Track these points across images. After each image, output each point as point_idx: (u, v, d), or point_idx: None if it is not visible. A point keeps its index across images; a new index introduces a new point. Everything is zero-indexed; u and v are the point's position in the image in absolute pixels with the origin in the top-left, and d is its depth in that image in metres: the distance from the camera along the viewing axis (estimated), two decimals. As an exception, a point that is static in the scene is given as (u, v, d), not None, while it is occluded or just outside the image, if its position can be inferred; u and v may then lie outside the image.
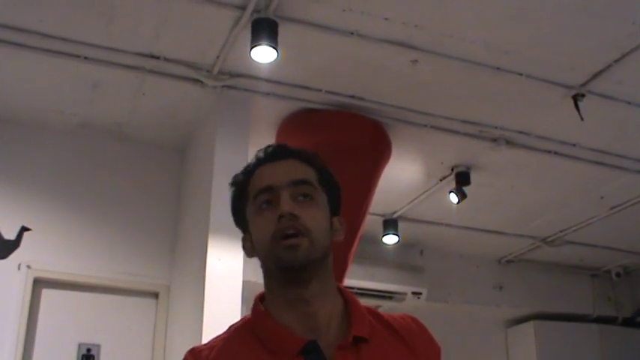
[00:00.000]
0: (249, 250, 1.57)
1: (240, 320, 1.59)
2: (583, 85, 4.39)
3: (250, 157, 4.89)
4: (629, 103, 4.56)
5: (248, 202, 1.57)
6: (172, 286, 4.96)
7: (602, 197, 5.91)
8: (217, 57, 4.17)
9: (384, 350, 1.49)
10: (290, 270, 1.47)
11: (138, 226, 5.07)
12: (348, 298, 1.57)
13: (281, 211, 1.47)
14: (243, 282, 4.16)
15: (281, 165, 1.58)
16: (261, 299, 1.56)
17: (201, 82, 4.34)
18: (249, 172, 1.61)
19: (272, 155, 1.61)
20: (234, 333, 1.55)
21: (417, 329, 1.61)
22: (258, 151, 1.64)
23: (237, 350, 1.49)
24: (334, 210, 1.62)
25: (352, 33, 3.93)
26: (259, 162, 1.60)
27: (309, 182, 1.57)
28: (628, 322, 7.83)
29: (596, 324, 7.67)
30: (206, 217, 4.23)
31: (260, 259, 1.54)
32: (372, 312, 1.59)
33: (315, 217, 1.52)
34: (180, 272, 4.85)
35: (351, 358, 1.43)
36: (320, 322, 1.48)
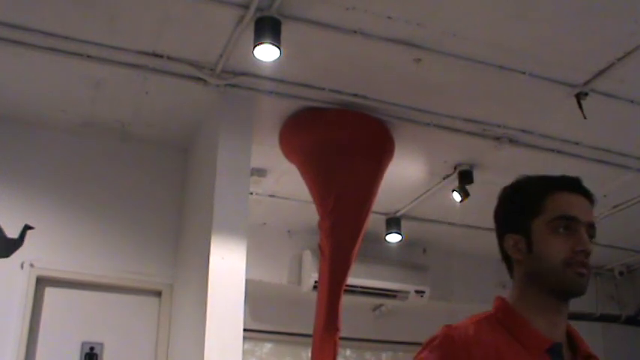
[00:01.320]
0: (514, 250, 1.79)
1: (482, 314, 1.79)
2: (586, 83, 4.38)
3: (253, 156, 4.88)
4: (632, 101, 4.55)
5: (540, 216, 1.75)
6: (175, 284, 4.96)
7: (604, 196, 5.89)
8: (220, 55, 4.17)
9: None
10: (572, 293, 1.75)
11: (141, 224, 5.07)
12: None
13: (585, 247, 1.72)
14: (246, 280, 4.16)
15: (584, 202, 1.79)
16: (505, 302, 1.80)
17: (205, 80, 4.34)
18: (547, 188, 1.79)
19: (577, 187, 1.80)
20: (484, 321, 1.75)
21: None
22: (555, 178, 1.81)
23: (492, 334, 1.70)
24: None
25: (355, 32, 3.92)
26: (562, 186, 1.79)
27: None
28: (631, 321, 7.82)
29: (599, 322, 7.65)
30: (209, 215, 4.24)
31: (533, 268, 1.75)
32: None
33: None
34: (183, 271, 4.85)
35: None
36: (561, 332, 1.74)
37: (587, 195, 1.80)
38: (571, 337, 1.78)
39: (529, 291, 1.76)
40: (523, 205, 1.80)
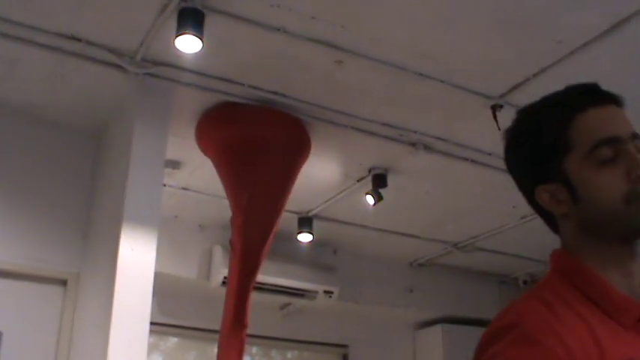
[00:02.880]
0: (555, 204, 1.42)
1: (544, 282, 1.43)
2: (502, 96, 4.48)
3: (168, 148, 4.81)
4: (545, 116, 4.66)
5: (572, 150, 1.39)
6: (82, 274, 4.86)
7: (513, 206, 6.03)
8: (141, 44, 4.10)
9: None
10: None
11: (48, 211, 4.94)
12: None
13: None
14: (155, 273, 4.12)
15: (616, 112, 1.42)
16: (570, 257, 1.42)
17: (123, 68, 4.26)
18: (567, 113, 1.42)
19: (602, 97, 1.42)
20: (550, 293, 1.36)
21: None
22: (569, 96, 1.46)
23: (572, 309, 1.31)
24: None
25: (279, 29, 3.92)
26: (583, 103, 1.42)
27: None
28: (532, 329, 8.02)
29: (501, 330, 7.83)
30: (120, 205, 4.17)
31: (588, 217, 1.39)
32: None
33: None
34: (91, 260, 4.76)
35: None
36: (636, 280, 1.38)
37: (615, 100, 1.44)
38: None
39: (591, 245, 1.39)
40: (546, 145, 1.42)
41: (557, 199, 1.41)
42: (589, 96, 1.42)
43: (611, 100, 1.43)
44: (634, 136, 1.39)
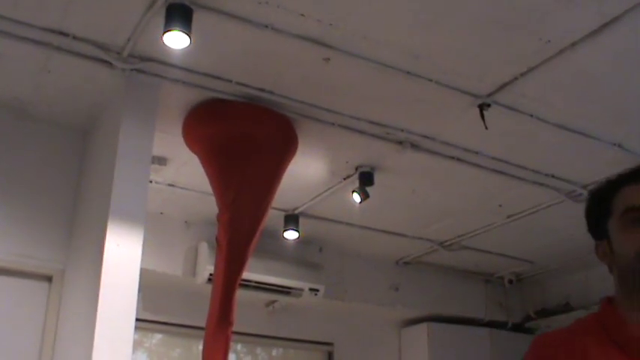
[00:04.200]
0: (602, 255, 1.78)
1: (587, 316, 1.80)
2: (489, 95, 4.49)
3: (155, 144, 4.82)
4: (531, 116, 4.68)
5: (612, 215, 1.75)
6: (67, 270, 4.84)
7: (500, 205, 6.06)
8: (128, 39, 4.08)
9: None
10: None
11: (34, 206, 4.91)
12: None
13: None
14: (141, 270, 4.10)
15: None
16: (609, 301, 1.77)
17: (110, 63, 4.24)
18: (614, 186, 1.78)
19: (637, 177, 1.77)
20: (581, 323, 1.78)
21: None
22: (619, 175, 1.80)
23: (584, 336, 1.71)
24: None
25: (267, 26, 3.91)
26: (626, 180, 1.77)
27: None
28: (517, 328, 8.06)
29: (487, 328, 7.87)
30: (107, 201, 4.15)
31: (616, 267, 1.73)
32: None
33: None
34: (76, 256, 4.74)
35: None
36: None
37: None
38: None
39: (621, 291, 1.73)
40: (598, 211, 1.81)
41: (604, 252, 1.77)
42: (632, 175, 1.78)
43: None
44: None
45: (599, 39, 3.91)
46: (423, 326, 7.69)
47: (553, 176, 5.55)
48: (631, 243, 1.67)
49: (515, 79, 4.32)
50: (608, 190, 1.79)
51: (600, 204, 1.80)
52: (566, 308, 7.61)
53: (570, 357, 1.67)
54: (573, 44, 3.98)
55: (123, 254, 4.07)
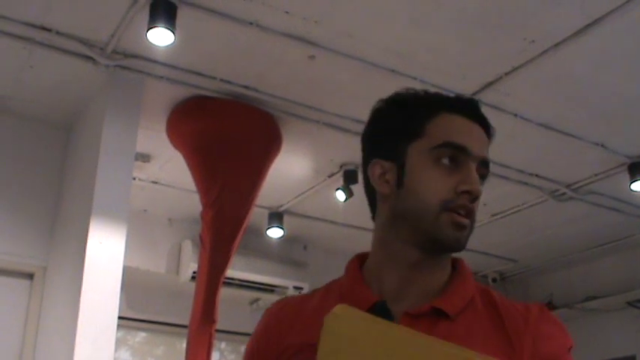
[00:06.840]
0: (380, 181, 1.41)
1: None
2: (474, 94, 4.49)
3: (139, 141, 4.77)
4: (516, 115, 4.70)
5: (420, 138, 1.37)
6: (49, 267, 4.81)
7: (484, 204, 6.06)
8: (112, 35, 4.06)
9: (467, 331, 1.31)
10: (443, 246, 1.36)
11: (15, 203, 4.87)
12: (459, 271, 1.45)
13: (472, 187, 1.32)
14: (124, 267, 4.09)
15: (479, 132, 1.40)
16: (361, 257, 1.51)
17: (94, 59, 4.22)
18: (434, 106, 1.40)
19: (474, 113, 1.41)
20: (325, 286, 1.57)
21: (533, 319, 1.35)
22: (446, 97, 1.44)
23: (319, 300, 1.48)
24: None
25: (252, 23, 3.90)
26: (454, 107, 1.40)
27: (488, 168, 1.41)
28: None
29: (470, 326, 7.89)
30: (89, 198, 4.13)
31: (399, 209, 1.38)
32: (484, 292, 1.42)
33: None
34: (58, 254, 4.71)
35: (421, 328, 1.25)
36: (419, 291, 1.36)
37: (484, 124, 1.41)
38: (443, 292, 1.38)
39: (389, 237, 1.40)
40: (400, 124, 1.40)
41: (385, 178, 1.40)
42: (465, 106, 1.41)
43: (484, 124, 1.41)
44: (483, 161, 1.38)
45: (582, 39, 3.93)
46: (407, 324, 7.69)
47: (537, 175, 5.57)
48: (438, 186, 1.32)
49: (500, 78, 4.34)
50: (423, 106, 1.40)
51: (407, 119, 1.39)
52: (550, 306, 7.63)
53: (293, 322, 1.44)
54: (557, 44, 4.00)
55: (106, 251, 4.05)
